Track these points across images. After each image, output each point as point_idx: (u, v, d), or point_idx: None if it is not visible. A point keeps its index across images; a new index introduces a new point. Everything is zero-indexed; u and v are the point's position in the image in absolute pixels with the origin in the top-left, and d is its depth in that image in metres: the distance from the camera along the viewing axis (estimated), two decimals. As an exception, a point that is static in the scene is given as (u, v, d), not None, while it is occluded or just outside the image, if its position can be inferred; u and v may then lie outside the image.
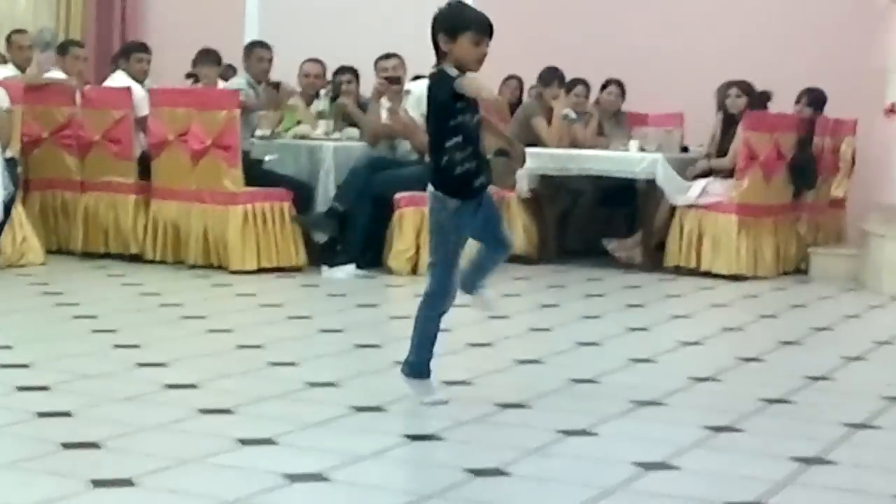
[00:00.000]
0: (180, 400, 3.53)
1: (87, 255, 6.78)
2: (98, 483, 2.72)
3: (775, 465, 3.02)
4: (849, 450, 3.21)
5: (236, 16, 9.28)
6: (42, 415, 3.30)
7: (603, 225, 7.46)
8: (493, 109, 3.33)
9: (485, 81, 3.33)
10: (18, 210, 6.35)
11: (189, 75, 7.32)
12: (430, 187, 3.45)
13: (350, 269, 6.38)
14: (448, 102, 3.32)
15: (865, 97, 7.81)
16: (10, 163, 6.15)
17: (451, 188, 3.40)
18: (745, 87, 7.00)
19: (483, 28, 3.34)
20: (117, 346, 4.29)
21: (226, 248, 6.35)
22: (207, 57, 7.10)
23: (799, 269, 7.13)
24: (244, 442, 3.09)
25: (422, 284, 6.03)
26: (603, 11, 8.68)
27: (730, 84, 7.03)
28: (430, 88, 3.40)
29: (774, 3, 8.45)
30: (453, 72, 3.31)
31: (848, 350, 4.64)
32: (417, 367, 3.50)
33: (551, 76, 7.36)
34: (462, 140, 3.35)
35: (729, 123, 6.99)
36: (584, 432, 3.30)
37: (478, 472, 2.90)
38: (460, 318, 4.05)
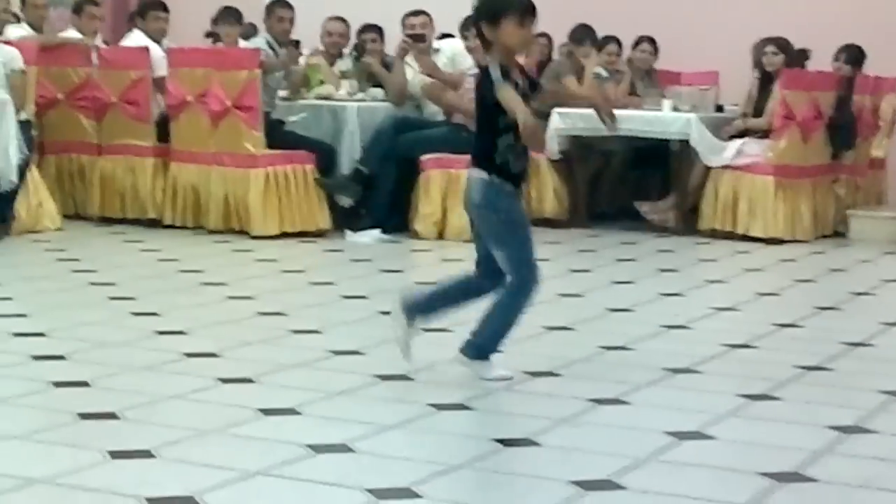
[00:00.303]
0: (200, 369, 3.50)
1: (104, 221, 6.72)
2: (116, 454, 2.70)
3: (812, 434, 3.00)
4: (888, 418, 3.18)
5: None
6: (58, 385, 3.28)
7: (635, 187, 7.37)
8: (527, 133, 3.26)
9: (519, 102, 3.26)
10: (33, 174, 6.30)
11: (209, 34, 7.19)
12: (481, 173, 3.36)
13: (375, 233, 6.30)
14: (495, 107, 3.32)
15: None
16: (25, 125, 6.09)
17: (507, 178, 3.40)
18: (782, 44, 6.85)
19: (525, 7, 3.34)
20: (135, 314, 4.26)
21: (247, 212, 6.27)
22: (228, 15, 6.97)
23: (837, 232, 7.04)
24: (266, 412, 3.06)
25: (448, 249, 6.06)
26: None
27: (766, 41, 6.89)
28: (478, 88, 3.42)
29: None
30: (496, 73, 3.30)
31: (888, 315, 4.57)
32: (487, 350, 3.46)
33: (582, 34, 7.23)
34: (514, 139, 3.34)
35: (765, 82, 6.87)
36: (615, 401, 3.27)
37: (506, 443, 2.88)
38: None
